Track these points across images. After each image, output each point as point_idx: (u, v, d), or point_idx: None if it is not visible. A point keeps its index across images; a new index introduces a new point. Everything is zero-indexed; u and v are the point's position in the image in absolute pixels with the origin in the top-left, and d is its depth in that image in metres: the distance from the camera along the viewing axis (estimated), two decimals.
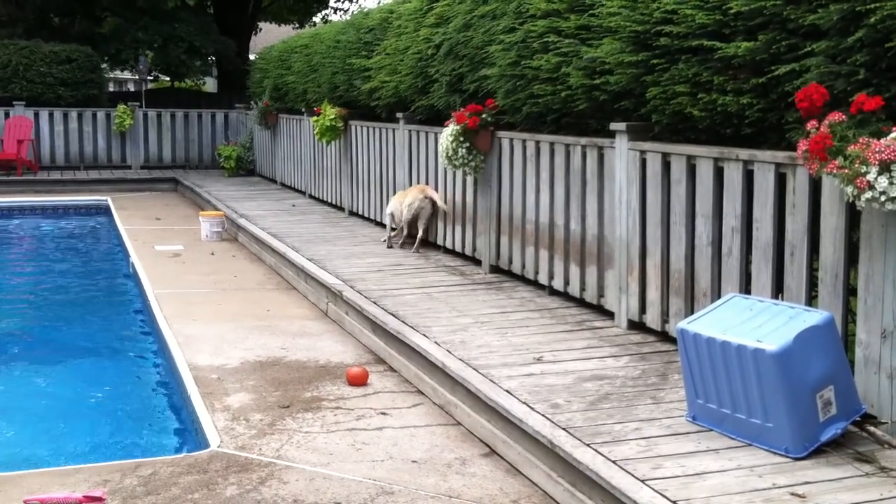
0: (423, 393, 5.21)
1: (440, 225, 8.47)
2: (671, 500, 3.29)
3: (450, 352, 5.15)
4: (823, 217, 4.16)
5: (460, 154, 7.38)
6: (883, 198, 3.59)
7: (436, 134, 8.26)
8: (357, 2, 29.07)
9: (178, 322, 6.71)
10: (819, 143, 3.78)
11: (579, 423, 4.06)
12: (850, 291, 4.15)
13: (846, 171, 3.67)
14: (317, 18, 27.78)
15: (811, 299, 4.33)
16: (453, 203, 8.16)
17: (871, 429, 3.87)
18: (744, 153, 4.65)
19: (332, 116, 10.98)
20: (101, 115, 17.24)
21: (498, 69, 6.86)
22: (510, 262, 7.18)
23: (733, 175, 4.73)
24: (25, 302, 8.51)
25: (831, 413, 3.73)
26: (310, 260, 8.02)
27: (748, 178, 4.65)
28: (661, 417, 4.13)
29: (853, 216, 4.03)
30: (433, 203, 8.40)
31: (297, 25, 27.14)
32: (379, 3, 10.93)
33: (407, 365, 5.49)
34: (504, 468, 4.20)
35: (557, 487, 3.85)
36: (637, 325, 5.61)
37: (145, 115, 17.51)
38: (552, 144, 6.48)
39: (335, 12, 28.53)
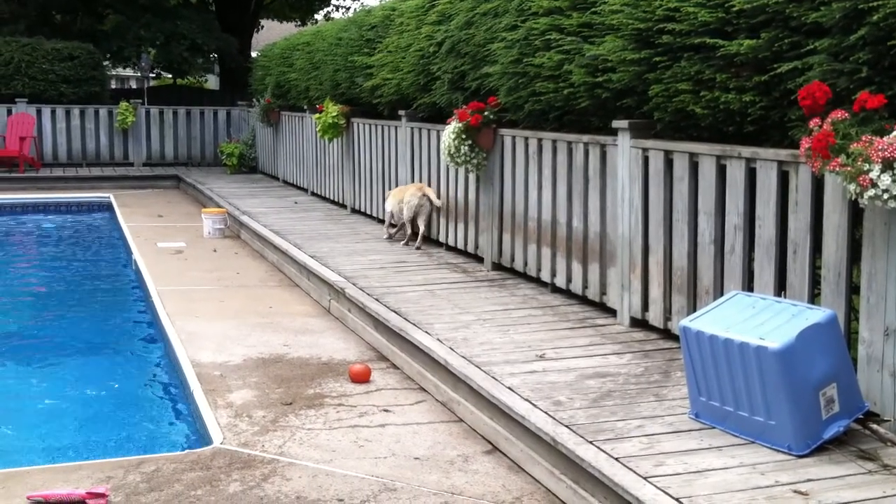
0: (425, 390, 5.22)
1: (442, 222, 8.48)
2: (674, 498, 3.29)
3: (452, 349, 5.16)
4: (826, 215, 4.16)
5: (462, 151, 7.38)
6: (886, 195, 3.58)
7: (438, 131, 8.26)
8: None
9: (181, 319, 6.72)
10: (822, 141, 3.78)
11: (582, 420, 4.06)
12: (853, 289, 4.15)
13: (849, 168, 3.67)
14: (319, 16, 27.77)
15: (814, 297, 4.33)
16: (455, 201, 8.16)
17: (874, 426, 3.87)
18: (746, 151, 4.65)
19: (334, 114, 10.98)
20: (103, 112, 17.26)
21: (500, 67, 6.86)
22: (512, 259, 7.19)
23: (736, 173, 4.73)
24: (28, 299, 8.52)
25: (834, 411, 3.73)
26: (312, 257, 8.02)
27: (751, 175, 4.65)
28: (664, 415, 4.13)
29: (856, 214, 4.03)
30: (430, 201, 8.51)
31: (299, 23, 27.13)
32: (381, 0, 10.92)
33: (409, 362, 5.50)
34: (506, 465, 4.20)
35: (560, 484, 3.85)
36: (639, 323, 5.61)
37: (147, 113, 17.52)
38: (554, 142, 6.48)
39: (337, 10, 28.54)
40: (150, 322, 7.30)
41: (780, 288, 4.51)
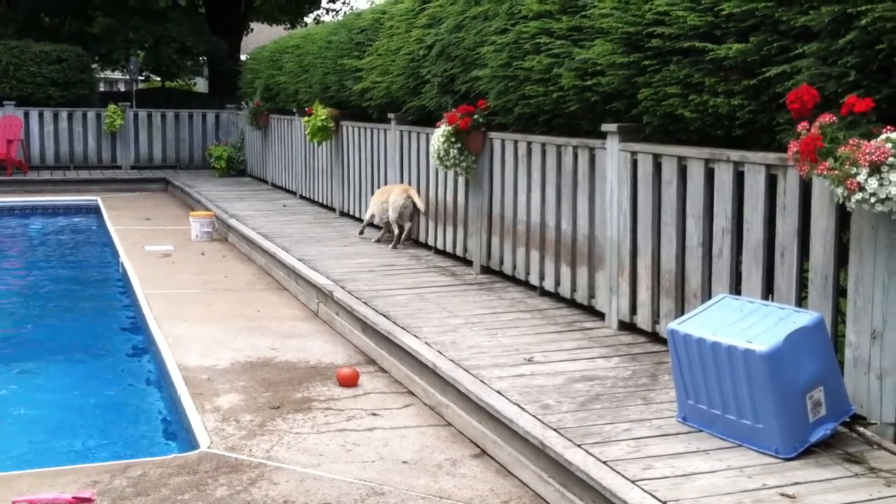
0: (413, 394, 5.21)
1: (431, 225, 8.47)
2: (661, 501, 3.29)
3: (440, 352, 5.15)
4: (814, 218, 4.17)
5: (452, 155, 7.38)
6: (873, 199, 3.59)
7: (427, 134, 8.26)
8: (348, 3, 29.07)
9: (168, 322, 6.69)
10: (810, 145, 3.79)
11: (570, 423, 4.06)
12: (840, 292, 4.16)
13: (836, 172, 3.68)
14: (308, 19, 27.76)
15: (801, 300, 4.34)
16: (444, 204, 8.16)
17: (861, 429, 3.88)
18: (735, 154, 4.66)
19: (323, 117, 10.97)
20: (91, 115, 17.20)
21: (490, 70, 6.87)
22: (501, 262, 7.18)
23: (724, 176, 4.74)
24: (13, 302, 8.47)
25: (821, 414, 3.74)
26: (300, 260, 8.00)
27: (739, 179, 4.66)
28: (652, 418, 4.13)
29: (843, 217, 4.04)
30: (414, 204, 8.63)
31: (288, 26, 27.11)
32: (371, 3, 10.92)
33: (398, 366, 5.48)
34: (495, 469, 4.19)
35: (548, 488, 3.85)
36: (627, 326, 5.62)
37: (136, 116, 17.47)
38: (544, 145, 6.48)
39: (327, 13, 28.53)
40: (137, 326, 7.26)
41: (768, 291, 4.52)
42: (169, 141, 17.65)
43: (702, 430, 3.96)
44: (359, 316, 6.13)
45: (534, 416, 4.15)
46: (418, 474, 4.09)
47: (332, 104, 11.16)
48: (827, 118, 3.82)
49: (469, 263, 7.74)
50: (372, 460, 4.23)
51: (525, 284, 6.88)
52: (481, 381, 4.65)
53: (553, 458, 3.80)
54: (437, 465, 4.21)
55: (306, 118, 11.31)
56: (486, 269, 7.44)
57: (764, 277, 4.52)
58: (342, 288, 6.85)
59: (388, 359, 5.63)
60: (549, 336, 5.54)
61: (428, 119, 8.48)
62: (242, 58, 21.18)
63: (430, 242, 8.52)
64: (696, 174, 4.95)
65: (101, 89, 24.63)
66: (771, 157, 4.43)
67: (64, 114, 17.07)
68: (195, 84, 30.06)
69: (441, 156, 7.44)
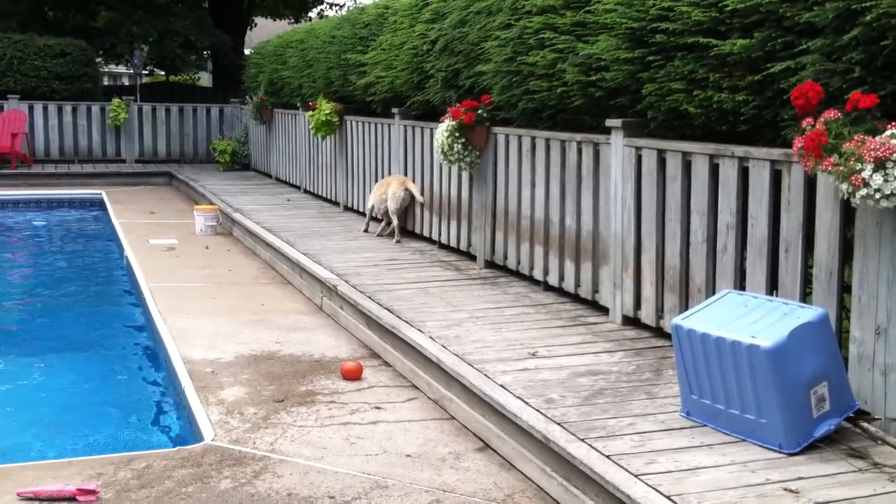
0: (417, 387, 5.22)
1: (435, 220, 8.48)
2: (665, 495, 3.29)
3: (444, 347, 5.16)
4: (818, 214, 4.17)
5: (456, 149, 7.38)
6: (878, 195, 3.60)
7: (431, 129, 8.26)
8: None
9: (173, 316, 6.71)
10: (814, 141, 3.79)
11: (573, 418, 4.07)
12: (845, 288, 4.16)
13: (841, 168, 3.68)
14: (312, 14, 27.74)
15: (805, 296, 4.34)
16: (448, 198, 8.17)
17: (865, 425, 3.88)
18: (739, 150, 4.66)
19: (327, 111, 10.97)
20: (95, 108, 17.21)
21: (494, 65, 6.86)
22: (505, 257, 7.19)
23: (728, 172, 4.74)
24: (18, 295, 8.49)
25: (825, 409, 3.74)
26: (304, 254, 8.01)
27: (743, 174, 4.66)
28: (656, 413, 4.14)
29: (848, 213, 4.04)
30: (412, 196, 8.79)
31: (292, 20, 27.10)
32: None
33: (401, 359, 5.50)
34: (498, 463, 4.20)
35: (551, 482, 3.86)
36: (631, 321, 5.62)
37: (140, 109, 17.48)
38: (548, 140, 6.48)
39: (330, 7, 28.52)
40: (142, 319, 7.28)
41: (772, 287, 4.52)
42: (173, 135, 17.66)
43: (705, 425, 3.96)
44: (363, 310, 6.14)
45: (537, 410, 4.16)
46: (422, 468, 4.10)
47: (336, 99, 11.17)
48: (831, 114, 3.82)
49: (473, 258, 7.74)
50: (375, 454, 4.24)
51: (529, 279, 6.88)
52: (485, 375, 4.66)
53: (556, 453, 3.80)
54: (441, 458, 4.23)
55: (310, 112, 11.31)
56: (490, 264, 7.45)
57: (768, 273, 4.53)
58: (346, 282, 6.86)
59: (392, 353, 5.64)
60: (553, 331, 5.55)
61: (432, 114, 8.48)
62: (246, 52, 21.17)
63: (434, 237, 8.52)
64: (700, 170, 4.95)
65: (106, 83, 24.63)
66: (775, 152, 4.43)
67: (68, 107, 17.09)
68: (199, 78, 30.08)
69: (445, 151, 7.45)
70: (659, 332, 5.38)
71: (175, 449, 4.32)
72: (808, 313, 3.80)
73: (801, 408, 3.68)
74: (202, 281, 8.05)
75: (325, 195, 12.10)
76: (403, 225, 9.09)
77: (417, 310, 6.03)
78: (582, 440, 3.81)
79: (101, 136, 17.28)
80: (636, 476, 3.46)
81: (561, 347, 5.18)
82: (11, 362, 6.31)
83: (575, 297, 6.28)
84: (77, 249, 11.03)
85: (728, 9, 4.56)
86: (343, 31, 10.91)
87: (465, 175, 7.79)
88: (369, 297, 6.35)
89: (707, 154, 4.90)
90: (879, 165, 3.57)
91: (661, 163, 5.29)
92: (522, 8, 6.51)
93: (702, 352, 3.90)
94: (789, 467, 3.55)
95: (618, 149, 5.62)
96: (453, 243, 8.11)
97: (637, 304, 5.56)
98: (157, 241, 9.92)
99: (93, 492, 3.75)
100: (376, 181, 10.02)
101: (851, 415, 3.88)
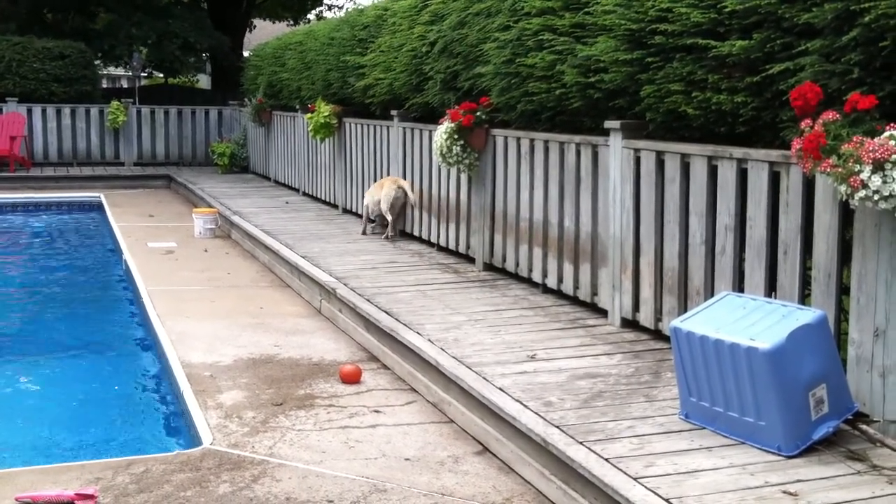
0: (416, 391, 5.21)
1: (434, 222, 8.47)
2: (664, 498, 3.29)
3: (443, 350, 5.15)
4: (817, 216, 4.16)
5: (454, 152, 7.38)
6: (876, 196, 3.59)
7: (430, 131, 8.26)
8: None
9: (171, 319, 6.70)
10: (813, 142, 3.79)
11: (572, 420, 4.06)
12: (843, 290, 4.15)
13: (840, 169, 3.68)
14: (311, 15, 27.75)
15: (804, 298, 4.33)
16: (447, 201, 8.16)
17: (864, 427, 3.87)
18: (738, 152, 4.66)
19: (326, 113, 10.97)
20: (94, 111, 17.20)
21: (492, 67, 6.86)
22: (504, 259, 7.18)
23: (727, 173, 4.74)
24: (16, 298, 8.48)
25: (823, 411, 3.73)
26: (303, 257, 8.01)
27: (742, 176, 4.65)
28: (654, 415, 4.13)
29: (846, 215, 4.04)
30: (405, 192, 8.91)
31: (291, 23, 27.10)
32: (373, 0, 10.92)
33: (400, 363, 5.49)
34: (497, 466, 4.20)
35: (550, 485, 3.85)
36: (630, 323, 5.61)
37: (139, 112, 17.48)
38: (546, 142, 6.48)
39: (329, 9, 28.53)
40: (140, 322, 7.27)
41: (771, 289, 4.51)
42: (172, 137, 17.65)
43: (704, 428, 3.96)
44: (362, 313, 6.13)
45: (536, 413, 4.15)
46: (421, 471, 4.10)
47: (335, 101, 11.16)
48: (830, 115, 3.81)
49: (472, 261, 7.74)
50: (374, 457, 4.24)
51: (528, 282, 6.88)
52: (484, 378, 4.65)
53: (555, 456, 3.80)
54: (440, 462, 4.22)
55: (309, 115, 11.31)
56: (488, 267, 7.44)
57: (767, 275, 4.52)
58: (345, 285, 6.85)
59: (391, 356, 5.63)
60: (552, 333, 5.54)
61: (431, 116, 8.48)
62: (245, 54, 21.17)
63: (433, 240, 8.52)
64: (699, 171, 4.95)
65: (104, 86, 24.64)
66: (774, 154, 4.42)
67: (67, 110, 17.08)
68: (198, 81, 30.07)
69: (444, 153, 7.44)
70: (658, 334, 5.37)
71: (174, 453, 4.31)
72: (807, 315, 3.79)
73: (799, 410, 3.67)
74: (201, 284, 8.04)
75: (323, 198, 12.09)
76: (401, 227, 9.13)
77: (416, 312, 6.02)
78: (581, 443, 3.80)
79: (99, 139, 17.27)
80: (635, 479, 3.45)
81: (560, 350, 5.18)
82: (9, 366, 6.30)
83: (574, 300, 6.27)
84: (75, 253, 11.02)
85: (727, 10, 4.56)
86: (342, 33, 10.91)
87: (463, 177, 7.79)
88: (368, 300, 6.34)
89: (706, 156, 4.89)
90: (878, 167, 3.56)
91: (660, 164, 5.28)
92: (521, 9, 6.50)
93: (701, 354, 3.90)
94: (788, 470, 3.54)
95: (616, 150, 5.62)
96: (452, 246, 8.11)
97: (636, 307, 5.55)
98: (156, 245, 9.91)
99: (91, 496, 3.75)
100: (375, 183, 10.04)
101: (850, 417, 3.87)
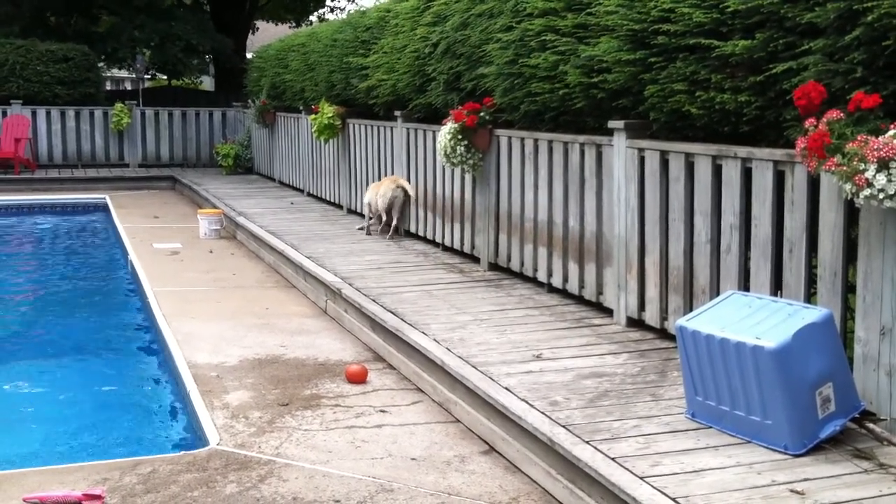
0: (422, 390, 5.22)
1: (439, 222, 8.48)
2: (670, 497, 3.29)
3: (449, 349, 5.16)
4: (822, 214, 4.17)
5: (458, 152, 7.38)
6: (881, 195, 3.59)
7: (434, 132, 8.26)
8: (354, 0, 29.08)
9: (177, 320, 6.71)
10: (817, 141, 3.79)
11: (578, 420, 4.07)
12: (849, 288, 4.15)
13: (844, 168, 3.68)
14: (313, 17, 27.76)
15: (810, 296, 4.34)
16: (452, 201, 8.17)
17: (870, 425, 3.88)
18: (742, 151, 4.66)
19: (329, 115, 10.98)
20: (98, 113, 17.23)
21: (495, 67, 6.87)
22: (509, 259, 7.19)
23: (731, 173, 4.74)
24: (23, 300, 8.50)
25: (830, 410, 3.74)
26: (308, 258, 8.02)
27: (746, 175, 4.66)
28: (661, 414, 4.14)
29: (851, 213, 4.04)
30: (405, 192, 8.97)
31: (293, 24, 27.13)
32: (376, 1, 10.94)
33: (406, 362, 5.50)
34: (503, 465, 4.20)
35: (557, 485, 3.86)
36: (636, 323, 5.62)
37: (143, 114, 17.50)
38: (550, 142, 6.48)
39: (332, 11, 28.53)
40: (147, 323, 7.29)
41: (777, 287, 4.52)
42: (176, 139, 17.67)
43: (711, 427, 3.96)
44: (367, 313, 6.14)
45: (542, 412, 4.16)
46: (427, 471, 4.11)
47: (339, 102, 11.18)
48: (834, 114, 3.82)
49: (477, 260, 7.75)
50: (381, 457, 4.25)
51: (533, 281, 6.88)
52: (490, 377, 4.66)
53: (562, 455, 3.80)
54: (446, 461, 4.23)
55: (313, 116, 11.33)
56: (493, 266, 7.45)
57: (772, 273, 4.52)
58: (350, 285, 6.86)
59: (397, 356, 5.65)
60: (558, 333, 5.55)
61: (434, 117, 8.49)
62: (248, 56, 21.19)
63: (438, 239, 8.53)
64: (703, 171, 4.95)
65: (108, 88, 24.68)
66: (778, 153, 4.43)
67: (71, 112, 17.11)
68: (201, 83, 30.11)
69: (448, 153, 7.45)
70: (663, 333, 5.38)
71: (180, 453, 4.32)
72: (813, 314, 3.80)
73: (806, 409, 3.68)
74: (206, 285, 8.06)
75: (328, 198, 12.10)
76: (406, 227, 9.17)
77: (422, 312, 6.03)
78: (587, 442, 3.80)
79: (104, 141, 17.30)
80: (641, 478, 3.46)
81: (565, 349, 5.18)
82: (15, 366, 6.32)
83: (579, 299, 6.28)
84: (81, 254, 11.04)
85: (729, 10, 4.56)
86: (345, 35, 10.91)
87: (468, 178, 7.80)
88: (373, 300, 6.35)
89: (710, 155, 4.89)
90: (883, 165, 3.56)
91: (664, 164, 5.29)
92: (524, 10, 6.51)
93: (706, 353, 3.90)
94: (795, 468, 3.54)
95: (620, 150, 5.62)
96: (457, 246, 8.12)
97: (641, 306, 5.56)
98: (161, 246, 9.93)
99: (99, 497, 3.76)
100: None
101: (857, 415, 3.88)
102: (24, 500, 3.77)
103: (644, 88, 5.26)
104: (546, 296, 6.54)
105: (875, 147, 3.57)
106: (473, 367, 4.83)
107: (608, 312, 5.89)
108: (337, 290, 6.78)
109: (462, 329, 5.62)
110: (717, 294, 4.76)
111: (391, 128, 9.65)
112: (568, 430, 3.95)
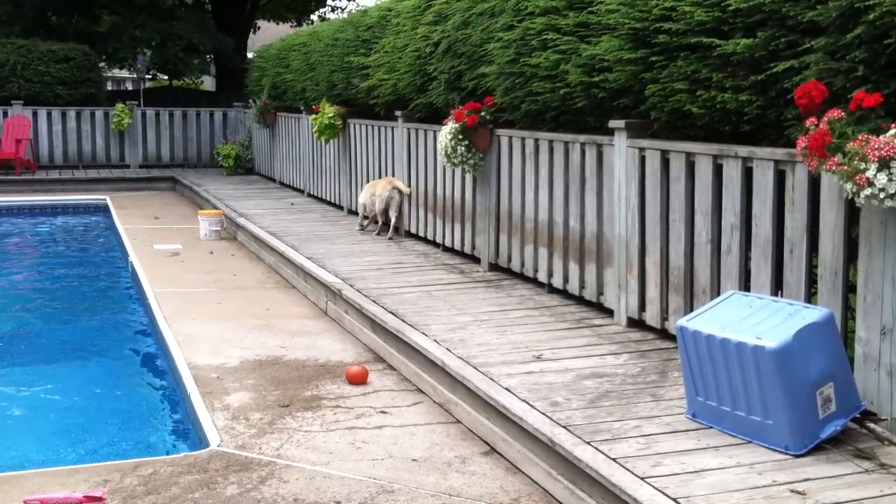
0: (422, 391, 5.21)
1: (439, 223, 8.48)
2: (671, 498, 3.29)
3: (449, 350, 5.15)
4: (822, 214, 4.16)
5: (459, 152, 7.38)
6: (882, 195, 3.58)
7: (434, 132, 8.26)
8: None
9: (178, 321, 6.71)
10: (818, 140, 3.78)
11: (579, 420, 4.06)
12: (850, 288, 4.15)
13: (845, 167, 3.67)
14: (314, 17, 27.77)
15: (811, 296, 4.33)
16: (452, 201, 8.16)
17: (871, 425, 3.87)
18: (743, 150, 4.65)
19: (330, 115, 10.97)
20: (99, 114, 17.23)
21: (496, 67, 6.86)
22: (509, 260, 7.18)
23: (732, 172, 4.73)
24: (24, 301, 8.50)
25: (831, 410, 3.73)
26: (309, 258, 8.01)
27: (747, 175, 4.65)
28: (661, 415, 4.13)
29: (852, 213, 4.03)
30: (400, 191, 9.11)
31: (294, 24, 27.13)
32: (377, 0, 10.92)
33: (406, 363, 5.49)
34: (504, 466, 4.20)
35: (557, 485, 3.85)
36: (636, 323, 5.61)
37: (144, 114, 17.50)
38: (551, 142, 6.48)
39: (333, 10, 28.53)
40: (147, 324, 7.28)
41: (777, 287, 4.51)
42: (177, 139, 17.67)
43: (711, 427, 3.95)
44: (367, 314, 6.14)
45: (543, 413, 4.15)
46: (428, 472, 4.10)
47: (340, 102, 11.17)
48: (835, 113, 3.81)
49: (477, 261, 7.74)
50: (381, 458, 4.24)
51: (533, 282, 6.88)
52: (490, 378, 4.66)
53: (562, 456, 3.80)
54: (447, 462, 4.22)
55: (314, 116, 11.32)
56: (494, 267, 7.44)
57: (773, 273, 4.52)
58: (351, 286, 6.86)
59: (397, 357, 5.64)
60: (558, 333, 5.54)
61: (435, 116, 8.48)
62: (249, 56, 21.19)
63: (438, 240, 8.52)
64: (704, 170, 4.95)
65: (109, 88, 24.69)
66: (779, 152, 4.42)
67: (72, 113, 17.11)
68: (202, 83, 30.12)
69: (448, 153, 7.45)
70: (664, 333, 5.37)
71: (181, 455, 4.31)
72: (814, 314, 3.79)
73: (807, 409, 3.67)
74: (207, 286, 8.06)
75: (328, 199, 12.10)
76: (402, 225, 9.24)
77: (422, 313, 6.02)
78: (588, 443, 3.80)
79: (104, 142, 17.30)
80: (642, 478, 3.45)
81: (566, 350, 5.18)
82: (16, 368, 6.32)
83: (580, 300, 6.27)
84: (81, 255, 11.04)
85: (731, 8, 4.55)
86: (346, 34, 10.91)
87: (468, 178, 7.79)
88: (374, 301, 6.35)
89: (711, 154, 4.89)
90: (884, 165, 3.56)
91: (665, 163, 5.28)
92: (525, 9, 6.50)
93: (707, 353, 3.90)
94: (796, 469, 3.54)
95: (621, 150, 5.62)
96: (457, 246, 8.11)
97: (642, 306, 5.55)
98: (162, 247, 9.93)
99: (99, 499, 3.75)
100: None
101: (858, 415, 3.87)
102: (25, 502, 3.77)
103: (645, 88, 5.25)
104: (546, 296, 6.54)
105: (876, 146, 3.56)
106: (474, 367, 4.83)
107: (609, 313, 5.88)
108: (337, 291, 6.78)
109: (462, 330, 5.62)
110: (718, 294, 4.76)
111: (392, 128, 9.64)
112: (569, 430, 3.94)
